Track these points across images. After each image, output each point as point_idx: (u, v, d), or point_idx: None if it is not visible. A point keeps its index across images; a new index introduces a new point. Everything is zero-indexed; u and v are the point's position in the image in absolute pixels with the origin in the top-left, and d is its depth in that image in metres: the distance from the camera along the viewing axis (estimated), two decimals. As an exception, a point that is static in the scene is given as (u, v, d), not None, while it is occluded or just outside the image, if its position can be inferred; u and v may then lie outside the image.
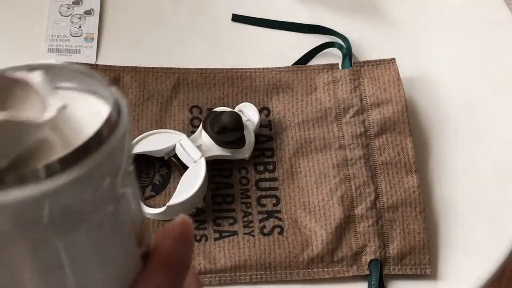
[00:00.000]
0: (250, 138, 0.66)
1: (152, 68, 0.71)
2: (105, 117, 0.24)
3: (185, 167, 0.64)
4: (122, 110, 0.25)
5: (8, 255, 0.24)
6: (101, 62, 0.73)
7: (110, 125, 0.24)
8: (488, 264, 0.64)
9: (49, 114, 0.24)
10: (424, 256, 0.62)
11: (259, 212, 0.64)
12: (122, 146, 0.25)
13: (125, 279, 0.28)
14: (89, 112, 0.26)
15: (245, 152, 0.66)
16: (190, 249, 0.29)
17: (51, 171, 0.22)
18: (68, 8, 0.77)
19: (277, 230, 0.63)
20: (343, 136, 0.68)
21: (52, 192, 0.22)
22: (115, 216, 0.26)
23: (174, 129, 0.67)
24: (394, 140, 0.68)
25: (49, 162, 0.22)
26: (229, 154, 0.65)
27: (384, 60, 0.73)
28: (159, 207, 0.63)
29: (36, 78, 0.25)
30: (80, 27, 0.76)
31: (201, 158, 0.63)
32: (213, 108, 0.68)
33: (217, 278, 0.61)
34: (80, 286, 0.26)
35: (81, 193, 0.23)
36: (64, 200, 0.23)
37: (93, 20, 0.76)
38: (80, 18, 0.76)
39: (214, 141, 0.65)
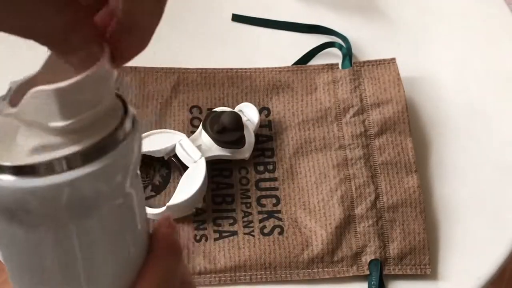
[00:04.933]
0: (250, 138, 0.66)
1: (152, 68, 0.71)
2: (119, 124, 0.29)
3: (185, 167, 0.64)
4: (136, 123, 0.30)
5: (36, 237, 0.28)
6: (101, 62, 0.73)
7: (124, 132, 0.29)
8: (488, 264, 0.64)
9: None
10: (424, 256, 0.62)
11: (259, 212, 0.64)
12: (131, 151, 0.29)
13: (134, 263, 0.32)
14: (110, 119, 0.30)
15: (245, 152, 0.66)
16: (178, 235, 0.35)
17: (71, 164, 0.27)
18: (68, 8, 0.77)
19: (277, 230, 0.63)
20: (343, 136, 0.68)
21: (70, 182, 0.26)
22: (123, 209, 0.30)
23: (174, 129, 0.67)
24: (394, 140, 0.68)
25: (69, 154, 0.27)
26: (229, 154, 0.65)
27: (384, 60, 0.73)
28: (159, 207, 0.63)
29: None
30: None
31: (201, 158, 0.63)
32: (213, 108, 0.68)
33: (217, 278, 0.61)
34: (90, 269, 0.30)
35: (95, 185, 0.27)
36: (81, 190, 0.27)
37: (93, 20, 0.76)
38: (80, 18, 0.76)
39: (214, 141, 0.64)
